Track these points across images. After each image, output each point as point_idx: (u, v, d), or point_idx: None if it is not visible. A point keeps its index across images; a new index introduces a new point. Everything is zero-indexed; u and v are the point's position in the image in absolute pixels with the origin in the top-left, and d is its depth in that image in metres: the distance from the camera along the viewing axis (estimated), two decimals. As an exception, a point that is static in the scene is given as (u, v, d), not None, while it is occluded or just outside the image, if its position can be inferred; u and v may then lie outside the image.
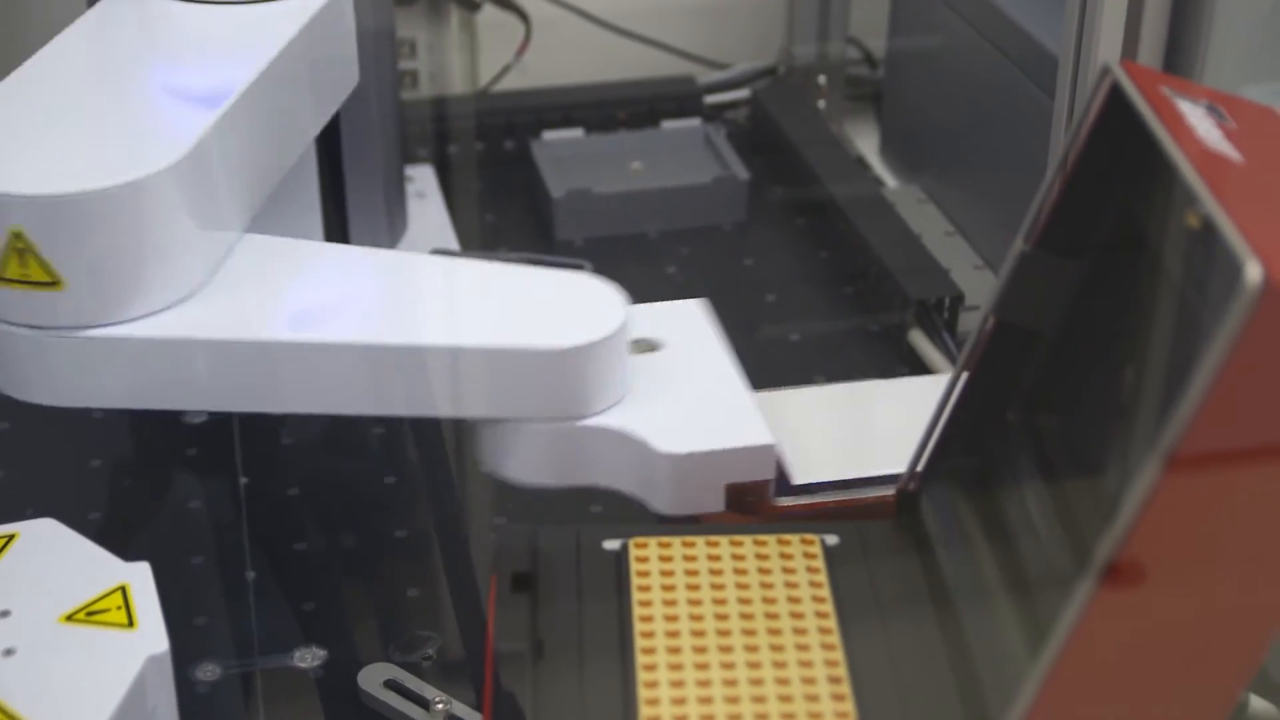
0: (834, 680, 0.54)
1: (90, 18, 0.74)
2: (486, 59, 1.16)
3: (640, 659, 0.54)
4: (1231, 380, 0.44)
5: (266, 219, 0.70)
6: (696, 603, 0.57)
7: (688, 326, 0.70)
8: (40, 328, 0.62)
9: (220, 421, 0.84)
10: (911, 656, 0.56)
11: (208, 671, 0.69)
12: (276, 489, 0.80)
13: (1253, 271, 0.42)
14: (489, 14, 1.13)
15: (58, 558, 0.62)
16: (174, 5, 0.75)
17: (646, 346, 0.68)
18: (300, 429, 0.84)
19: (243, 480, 0.81)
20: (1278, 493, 0.46)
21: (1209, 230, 0.45)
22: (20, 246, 0.60)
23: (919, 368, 0.88)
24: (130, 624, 0.59)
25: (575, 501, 0.79)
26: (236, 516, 0.78)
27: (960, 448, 0.62)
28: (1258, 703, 0.59)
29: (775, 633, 0.56)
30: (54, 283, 0.61)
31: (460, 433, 0.85)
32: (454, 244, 0.96)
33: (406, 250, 0.96)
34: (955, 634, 0.56)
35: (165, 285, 0.64)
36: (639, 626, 0.56)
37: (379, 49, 0.91)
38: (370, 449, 0.84)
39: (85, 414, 0.85)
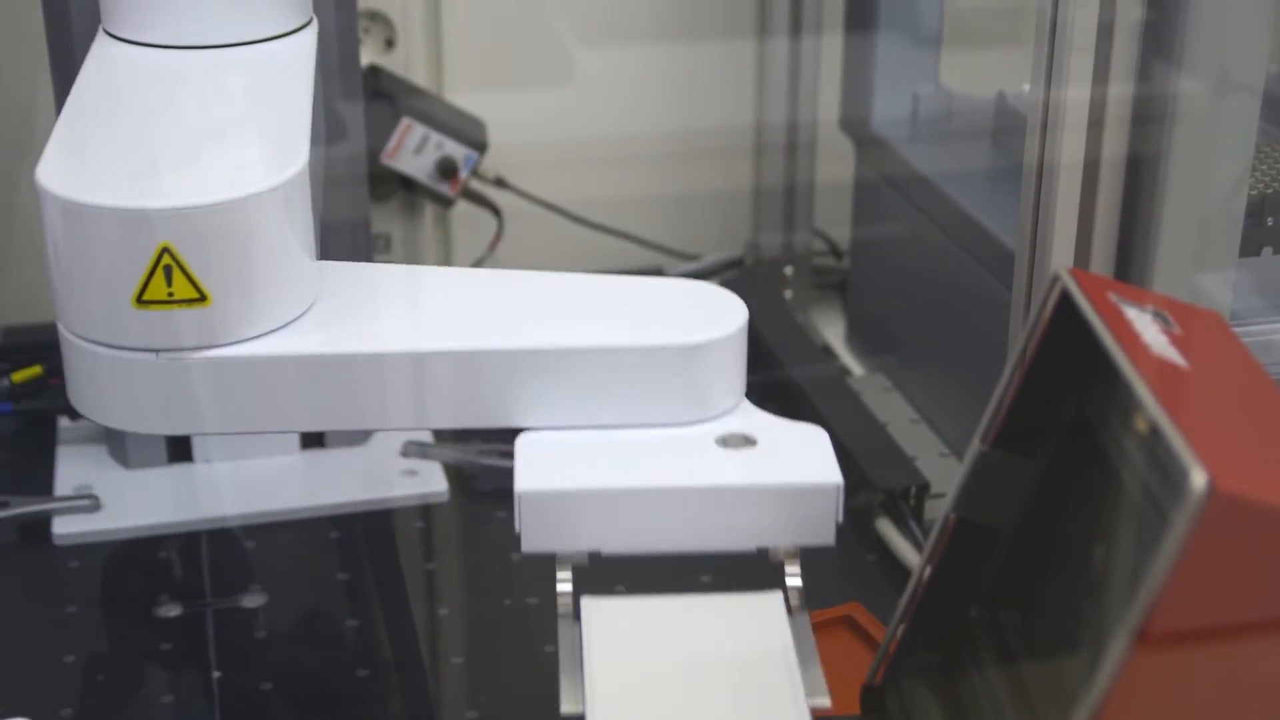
0: None
1: (94, 59, 0.74)
2: (460, 252, 1.18)
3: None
4: (1187, 570, 0.45)
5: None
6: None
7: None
8: (180, 349, 0.64)
9: (194, 615, 0.85)
10: None
11: None
12: (250, 683, 0.80)
13: (1198, 479, 0.44)
14: (462, 209, 1.15)
15: (32, 758, 0.62)
16: (154, 53, 0.74)
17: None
18: (273, 622, 0.85)
19: (215, 674, 0.81)
20: (1237, 668, 0.47)
21: (1156, 436, 0.47)
22: (167, 263, 0.61)
23: (886, 555, 0.89)
24: (103, 826, 0.59)
25: (548, 692, 0.79)
26: (210, 711, 0.78)
27: (924, 642, 0.63)
28: None
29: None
30: (201, 298, 0.63)
31: (433, 625, 0.85)
32: (429, 438, 0.97)
33: (379, 445, 0.97)
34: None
35: (291, 299, 0.66)
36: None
37: (355, 242, 0.93)
38: (344, 641, 0.84)
39: (59, 609, 0.86)
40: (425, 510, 0.93)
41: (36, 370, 0.97)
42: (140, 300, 0.63)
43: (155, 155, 0.66)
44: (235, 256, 0.63)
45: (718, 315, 0.68)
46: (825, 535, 0.64)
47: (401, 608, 0.87)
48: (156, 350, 0.64)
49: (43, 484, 0.94)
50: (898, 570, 0.87)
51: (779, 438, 0.67)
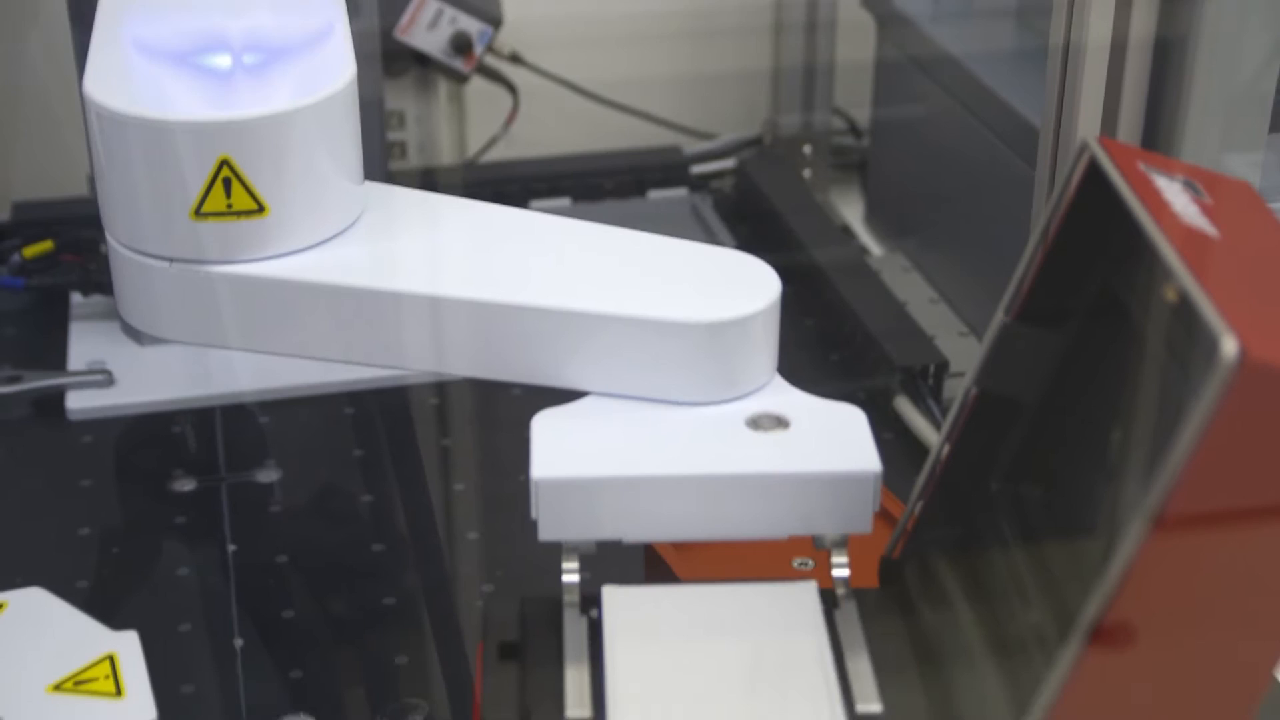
0: None
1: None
2: (474, 130, 1.17)
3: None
4: (1212, 446, 0.45)
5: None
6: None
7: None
8: (238, 261, 0.62)
9: (208, 489, 0.85)
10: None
11: (196, 740, 0.69)
12: (265, 557, 0.80)
13: (1229, 346, 0.43)
14: (477, 86, 1.14)
15: (46, 627, 0.62)
16: None
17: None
18: (288, 497, 0.85)
19: (231, 548, 0.81)
20: (1258, 553, 0.47)
21: (1186, 305, 0.46)
22: (226, 175, 0.61)
23: (904, 434, 0.88)
24: (118, 693, 0.59)
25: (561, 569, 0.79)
26: (225, 584, 0.78)
27: (944, 516, 0.62)
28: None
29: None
30: (260, 209, 0.61)
31: (449, 501, 0.85)
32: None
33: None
34: (942, 700, 0.57)
35: (330, 216, 0.64)
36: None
37: (368, 120, 0.92)
38: (359, 517, 0.84)
39: (73, 483, 0.86)
40: (440, 387, 0.93)
41: (48, 245, 0.96)
42: (199, 212, 0.62)
43: (200, 68, 0.64)
44: (286, 169, 0.62)
45: (750, 287, 0.64)
46: (862, 524, 0.60)
47: (417, 483, 0.86)
48: (202, 262, 0.63)
49: (56, 359, 0.94)
50: (916, 448, 0.87)
51: (813, 418, 0.62)
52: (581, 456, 0.60)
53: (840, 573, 0.61)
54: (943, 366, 0.90)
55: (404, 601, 0.78)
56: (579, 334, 0.62)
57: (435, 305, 0.63)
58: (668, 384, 0.62)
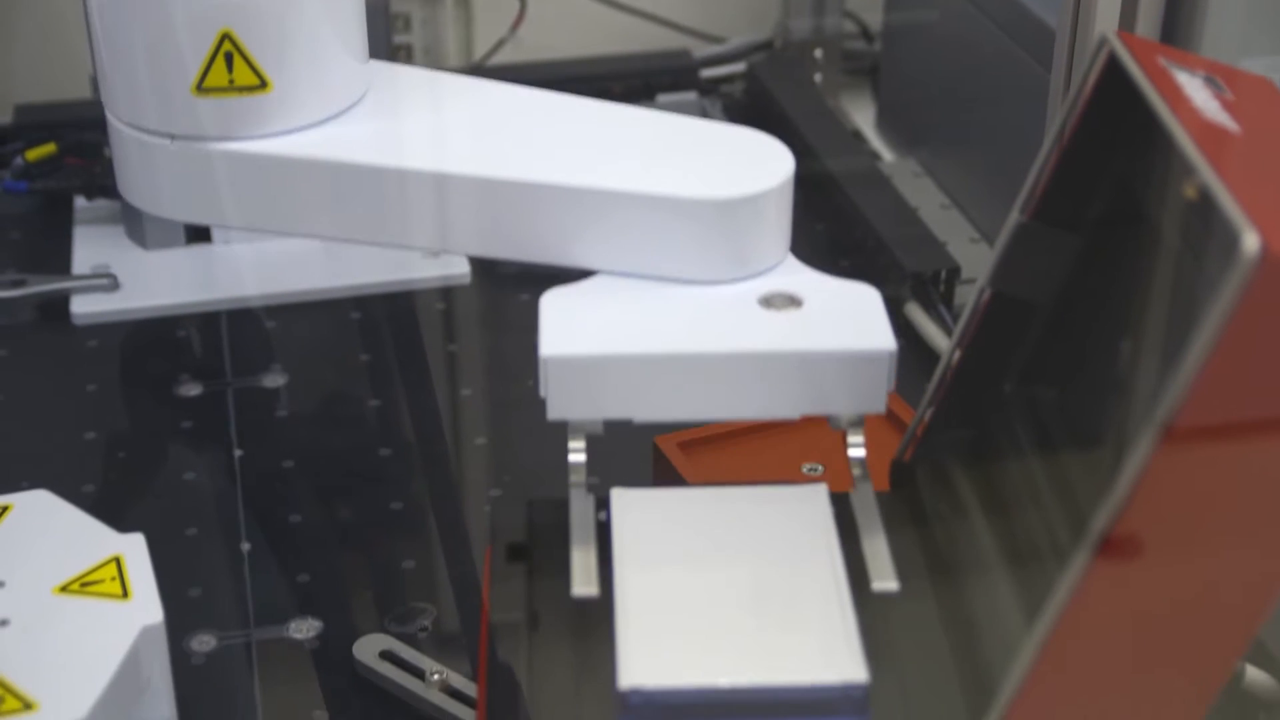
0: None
1: None
2: (481, 33, 1.16)
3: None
4: (1228, 351, 0.44)
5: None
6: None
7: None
8: (241, 138, 0.62)
9: (214, 394, 0.84)
10: (908, 624, 0.56)
11: (203, 643, 0.69)
12: (271, 461, 0.80)
13: (1250, 241, 0.42)
14: (484, -14, 1.12)
15: (52, 529, 0.62)
16: None
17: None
18: (295, 402, 0.84)
19: (237, 453, 0.80)
20: (1274, 465, 0.46)
21: (1206, 201, 0.45)
22: (228, 49, 0.60)
23: (915, 340, 0.88)
24: (124, 595, 0.59)
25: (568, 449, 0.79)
26: (231, 489, 0.78)
27: (956, 419, 0.62)
28: (1253, 673, 0.59)
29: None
30: (262, 85, 0.61)
31: (456, 406, 0.85)
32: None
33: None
34: (952, 603, 0.56)
35: (336, 93, 0.64)
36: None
37: (373, 24, 0.90)
38: (366, 422, 0.84)
39: (79, 387, 0.85)
40: (447, 292, 0.92)
41: (51, 148, 0.95)
42: (200, 88, 0.61)
43: None
44: (289, 43, 0.61)
45: (763, 164, 0.63)
46: (876, 403, 0.59)
47: (424, 388, 0.86)
48: (206, 138, 0.62)
49: (60, 264, 0.93)
50: (926, 355, 0.86)
51: (827, 297, 0.61)
52: (590, 334, 0.59)
53: (856, 453, 0.60)
54: (954, 272, 0.89)
55: (411, 506, 0.78)
56: (588, 211, 0.61)
57: (441, 182, 0.62)
58: (679, 263, 0.62)
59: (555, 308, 0.60)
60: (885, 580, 0.56)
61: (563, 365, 0.57)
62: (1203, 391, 0.44)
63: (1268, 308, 0.43)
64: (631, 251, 0.62)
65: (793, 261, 0.63)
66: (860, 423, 0.60)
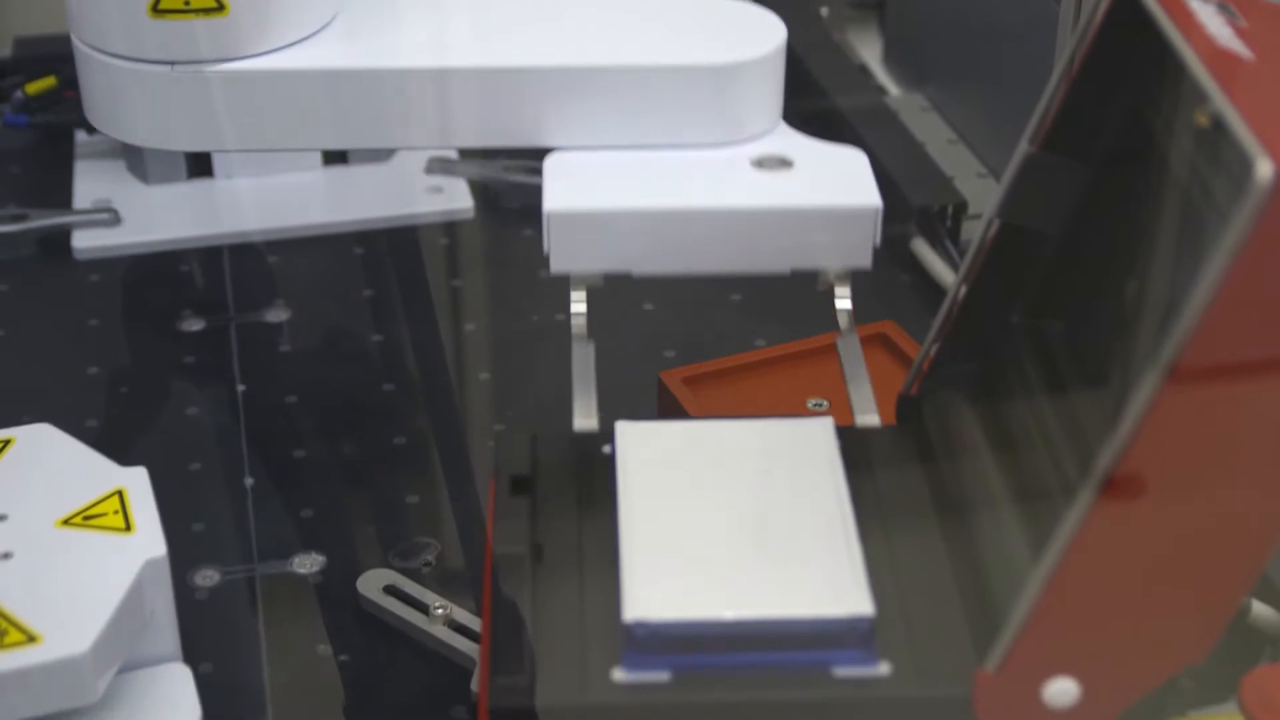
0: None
1: None
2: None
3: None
4: (1238, 286, 0.43)
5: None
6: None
7: None
8: (197, 62, 0.63)
9: (216, 329, 0.84)
10: (915, 559, 0.55)
11: (206, 577, 0.69)
12: (274, 396, 0.80)
13: (1263, 167, 0.41)
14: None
15: (54, 462, 0.62)
16: None
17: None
18: (297, 337, 0.84)
19: (240, 387, 0.80)
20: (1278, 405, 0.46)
21: (1218, 129, 0.44)
22: None
23: (921, 276, 0.87)
24: (127, 528, 0.58)
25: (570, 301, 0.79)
26: (234, 424, 0.78)
27: (963, 354, 0.61)
28: (1260, 608, 0.58)
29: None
30: (219, 8, 0.61)
31: (460, 341, 0.84)
32: (451, 151, 0.95)
33: (403, 162, 0.95)
34: (959, 539, 0.56)
35: (311, 10, 0.65)
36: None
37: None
38: (369, 357, 0.83)
39: (81, 322, 0.85)
40: (450, 226, 0.92)
41: (51, 81, 0.94)
42: (156, 9, 0.61)
43: None
44: None
45: (755, 33, 0.66)
46: (862, 259, 0.63)
47: (427, 323, 0.85)
48: (172, 63, 0.63)
49: (61, 198, 0.92)
50: (933, 290, 0.86)
51: (816, 159, 0.65)
52: (591, 191, 0.63)
53: (843, 304, 0.64)
54: (961, 207, 0.89)
55: (414, 441, 0.77)
56: (585, 90, 0.64)
57: (437, 78, 0.64)
58: (676, 130, 0.65)
59: (558, 167, 0.64)
60: (868, 415, 0.59)
61: (565, 220, 0.61)
62: (1209, 330, 0.44)
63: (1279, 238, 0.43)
64: (632, 124, 0.65)
65: (784, 128, 0.67)
66: (847, 278, 0.64)
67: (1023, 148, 0.57)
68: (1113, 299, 0.57)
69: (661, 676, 0.51)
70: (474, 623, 0.66)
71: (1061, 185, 0.58)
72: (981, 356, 0.61)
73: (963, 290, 0.60)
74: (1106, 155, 0.57)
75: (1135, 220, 0.56)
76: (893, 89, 1.09)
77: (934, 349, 0.62)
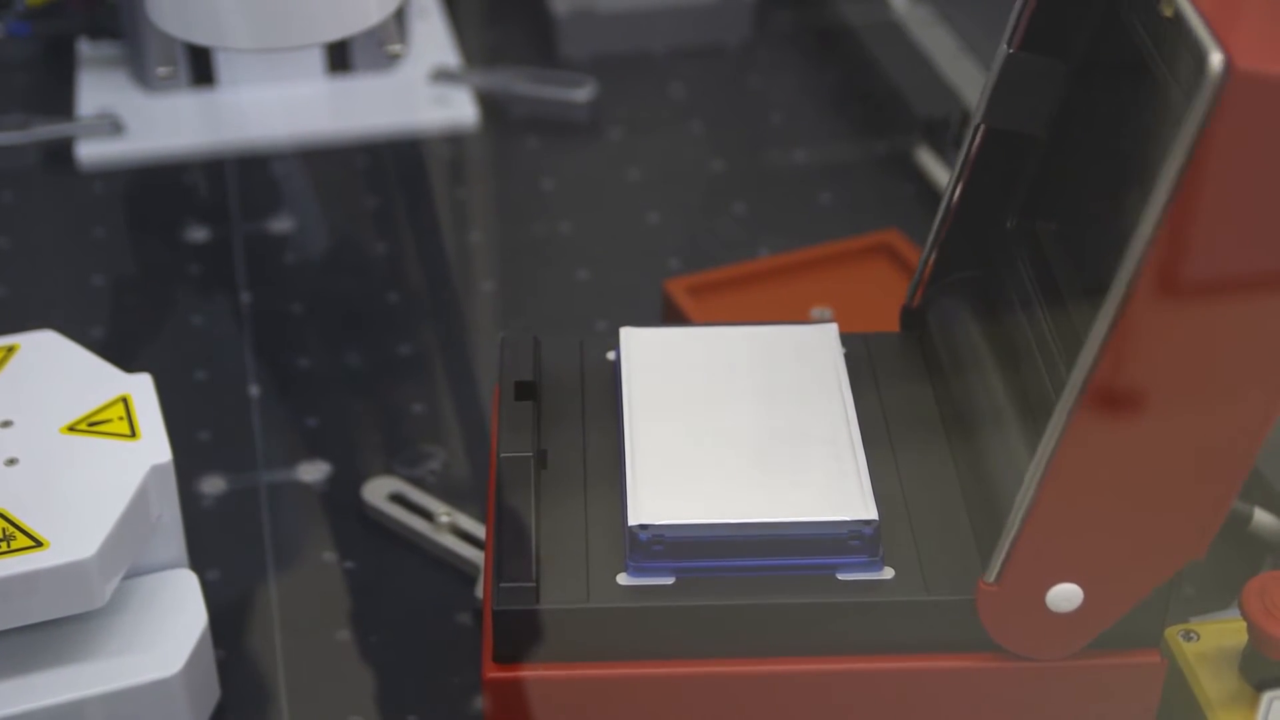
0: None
1: None
2: None
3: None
4: (1199, 182, 0.43)
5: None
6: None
7: None
8: None
9: (221, 239, 0.84)
10: (919, 466, 0.56)
11: (213, 485, 0.69)
12: (279, 306, 0.80)
13: (1215, 59, 0.41)
14: None
15: (59, 369, 0.61)
16: None
17: None
18: (302, 247, 0.84)
19: (245, 297, 0.80)
20: (1256, 303, 0.45)
21: (1180, 21, 0.44)
22: None
23: (925, 186, 0.87)
24: (132, 434, 0.59)
25: (579, 316, 0.79)
26: (239, 333, 0.78)
27: (960, 260, 0.61)
28: (1261, 516, 0.59)
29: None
30: None
31: (464, 251, 0.84)
32: (456, 62, 0.94)
33: (407, 72, 0.94)
34: (962, 445, 0.56)
35: None
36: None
37: None
38: (373, 267, 0.83)
39: (86, 231, 0.85)
40: (454, 138, 0.91)
41: (53, -10, 0.94)
42: None
43: None
44: None
45: None
46: None
47: (431, 233, 0.85)
48: None
49: (63, 108, 0.92)
50: (937, 201, 0.85)
51: None
52: None
53: None
54: (965, 117, 0.88)
55: (419, 351, 0.77)
56: None
57: None
58: None
59: None
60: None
61: None
62: (1174, 229, 0.43)
63: (1239, 130, 0.42)
64: None
65: None
66: None
67: (1002, 50, 0.57)
68: (1099, 201, 0.56)
69: (665, 581, 0.51)
70: (479, 530, 0.66)
71: (1042, 85, 0.57)
72: (981, 262, 0.61)
73: (956, 196, 0.60)
74: (1084, 53, 0.57)
75: (1115, 118, 0.56)
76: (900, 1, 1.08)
77: (933, 256, 0.61)
